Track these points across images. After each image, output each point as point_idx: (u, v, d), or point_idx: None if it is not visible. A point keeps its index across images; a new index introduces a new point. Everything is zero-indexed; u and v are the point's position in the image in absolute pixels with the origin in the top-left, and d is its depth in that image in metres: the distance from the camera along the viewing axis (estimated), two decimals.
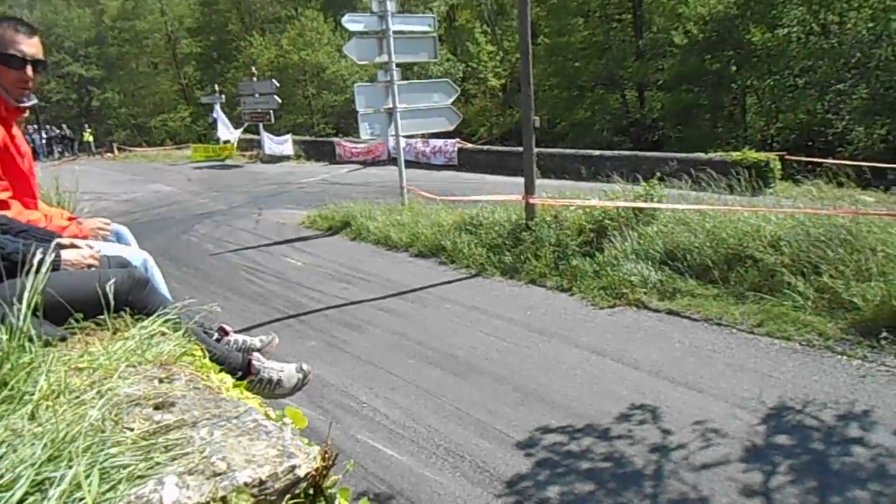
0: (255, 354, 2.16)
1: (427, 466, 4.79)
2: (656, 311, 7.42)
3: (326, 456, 1.00)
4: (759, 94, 28.54)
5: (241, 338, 2.40)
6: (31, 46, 2.37)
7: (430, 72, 33.33)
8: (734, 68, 28.06)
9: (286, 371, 2.18)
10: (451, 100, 14.42)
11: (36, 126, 40.52)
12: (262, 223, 14.74)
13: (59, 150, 40.64)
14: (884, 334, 5.88)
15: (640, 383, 5.76)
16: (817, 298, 6.66)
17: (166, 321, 1.67)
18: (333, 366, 6.69)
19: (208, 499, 0.86)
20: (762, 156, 16.42)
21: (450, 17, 44.97)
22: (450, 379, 6.18)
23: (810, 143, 24.18)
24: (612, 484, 4.40)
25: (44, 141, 39.28)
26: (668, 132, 31.65)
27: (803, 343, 6.18)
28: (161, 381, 1.30)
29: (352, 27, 13.10)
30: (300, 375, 2.22)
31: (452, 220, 11.34)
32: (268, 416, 1.17)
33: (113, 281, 1.68)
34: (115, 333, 1.61)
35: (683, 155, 17.57)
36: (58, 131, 41.79)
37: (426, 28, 14.60)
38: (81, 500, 0.83)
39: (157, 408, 1.16)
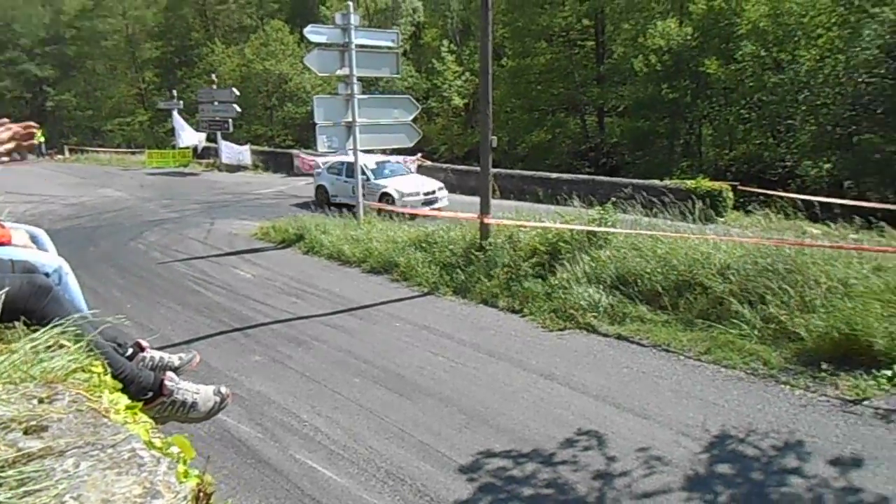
0: (169, 374, 2.00)
1: (366, 489, 4.66)
2: (606, 335, 7.42)
3: (200, 495, 0.89)
4: (714, 124, 29.22)
5: (158, 354, 2.25)
6: None
7: (394, 87, 33.32)
8: (690, 98, 28.69)
9: (202, 393, 2.04)
10: (412, 116, 14.38)
11: None
12: (214, 233, 14.43)
13: None
14: (825, 365, 5.96)
15: (586, 408, 5.72)
16: (763, 328, 6.73)
17: (64, 333, 1.53)
18: (277, 382, 6.51)
19: None
20: (716, 185, 16.77)
21: (416, 34, 45.13)
22: (395, 399, 6.05)
23: (762, 175, 24.79)
24: None
25: None
26: (625, 158, 32.18)
27: (748, 371, 6.23)
28: (41, 401, 1.17)
29: (314, 38, 12.99)
30: (217, 399, 2.07)
31: (407, 237, 11.24)
32: (151, 445, 1.05)
33: (7, 288, 1.54)
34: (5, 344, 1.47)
35: (639, 181, 17.83)
36: None
37: (389, 43, 14.59)
38: None
39: (26, 432, 1.03)
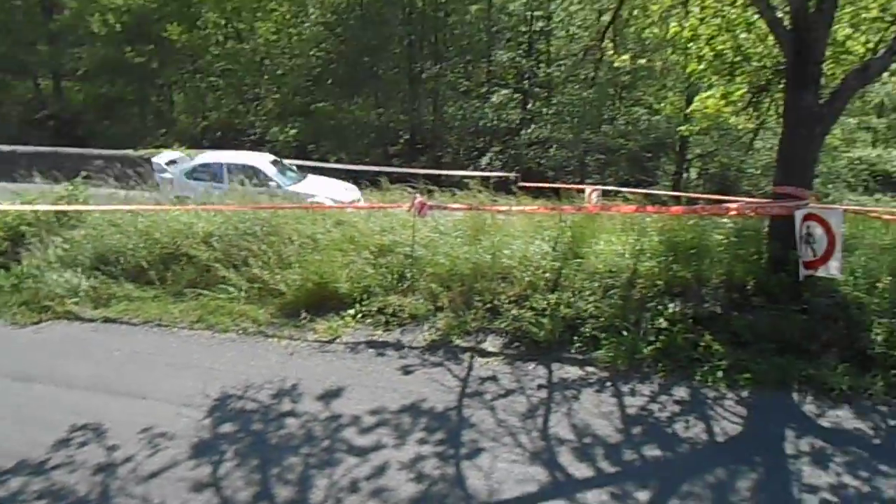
0: None
1: None
2: (91, 320, 6.94)
3: None
4: (185, 90, 29.11)
5: None
6: None
7: None
8: (158, 64, 27.95)
9: None
10: None
11: None
12: None
13: None
14: (304, 314, 6.67)
15: (78, 402, 5.32)
16: (249, 289, 7.14)
17: None
18: None
19: None
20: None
21: None
22: None
23: (237, 141, 25.78)
24: None
25: None
26: (93, 127, 29.74)
27: (240, 332, 6.58)
28: None
29: None
30: None
31: None
32: None
33: None
34: None
35: (112, 151, 16.81)
36: None
37: None
38: None
39: None
